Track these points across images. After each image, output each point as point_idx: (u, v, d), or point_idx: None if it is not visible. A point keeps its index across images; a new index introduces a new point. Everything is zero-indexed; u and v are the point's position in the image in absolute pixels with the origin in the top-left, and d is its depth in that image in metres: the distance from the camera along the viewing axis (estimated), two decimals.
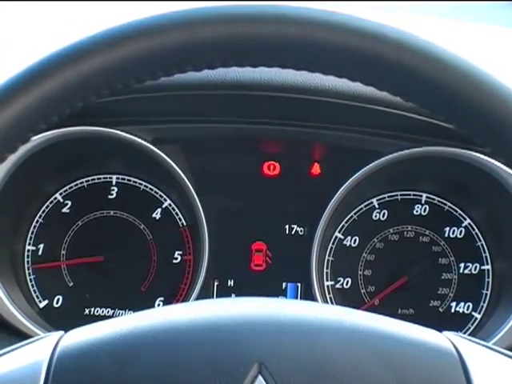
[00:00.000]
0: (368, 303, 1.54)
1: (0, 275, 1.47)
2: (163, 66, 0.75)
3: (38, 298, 1.54)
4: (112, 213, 1.55)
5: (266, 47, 0.74)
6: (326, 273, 1.54)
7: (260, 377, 0.72)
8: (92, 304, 1.54)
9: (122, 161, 1.55)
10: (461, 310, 1.54)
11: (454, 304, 1.54)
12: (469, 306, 1.54)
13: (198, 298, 1.49)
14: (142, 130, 1.47)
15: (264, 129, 1.49)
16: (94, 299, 1.54)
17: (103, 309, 1.54)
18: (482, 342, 0.82)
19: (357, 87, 1.40)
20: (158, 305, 1.54)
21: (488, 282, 1.54)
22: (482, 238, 1.54)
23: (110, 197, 1.55)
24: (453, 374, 0.75)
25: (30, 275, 1.54)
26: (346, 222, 1.54)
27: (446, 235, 1.55)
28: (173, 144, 1.50)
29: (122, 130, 1.46)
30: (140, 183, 1.55)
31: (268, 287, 1.54)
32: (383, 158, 1.47)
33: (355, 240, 1.55)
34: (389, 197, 1.55)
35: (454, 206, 1.55)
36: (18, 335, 1.42)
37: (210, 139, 1.52)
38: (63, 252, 1.54)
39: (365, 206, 1.55)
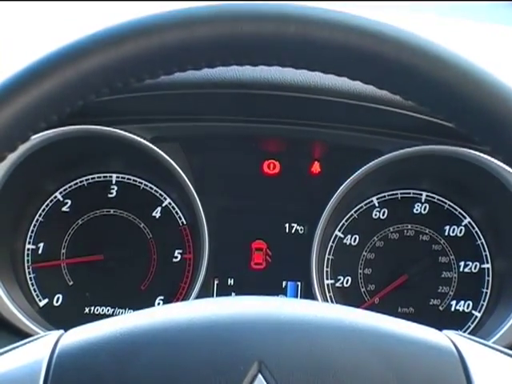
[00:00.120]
0: (368, 302, 1.54)
1: (0, 274, 1.47)
2: (163, 65, 0.75)
3: (38, 296, 1.54)
4: (112, 211, 1.55)
5: (266, 46, 0.74)
6: (326, 271, 1.54)
7: (260, 375, 0.72)
8: (92, 303, 1.54)
9: (121, 159, 1.55)
10: (461, 309, 1.54)
11: (453, 302, 1.54)
12: (469, 305, 1.54)
13: (198, 296, 1.49)
14: (142, 129, 1.47)
15: (264, 127, 1.49)
16: (94, 298, 1.54)
17: (103, 307, 1.54)
18: (481, 341, 0.82)
19: (357, 86, 1.40)
20: (158, 303, 1.54)
21: (488, 280, 1.54)
22: (481, 237, 1.54)
23: (109, 195, 1.55)
24: (453, 372, 0.75)
25: (29, 274, 1.54)
26: (346, 221, 1.54)
27: (446, 234, 1.55)
28: (173, 143, 1.50)
29: (122, 129, 1.46)
30: (140, 182, 1.55)
31: (268, 286, 1.54)
32: (383, 157, 1.47)
33: (355, 239, 1.55)
34: (389, 195, 1.55)
35: (453, 205, 1.55)
36: (18, 334, 1.42)
37: (210, 138, 1.52)
38: (63, 251, 1.54)
39: (365, 205, 1.55)
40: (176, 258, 1.55)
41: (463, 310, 1.54)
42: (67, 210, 1.55)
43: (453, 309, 1.54)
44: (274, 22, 0.73)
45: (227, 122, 1.49)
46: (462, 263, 1.55)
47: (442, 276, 1.54)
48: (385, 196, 1.55)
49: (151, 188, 1.55)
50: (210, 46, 0.73)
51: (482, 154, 1.44)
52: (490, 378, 0.76)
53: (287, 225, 1.55)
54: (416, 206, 1.55)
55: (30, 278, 1.54)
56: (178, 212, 1.55)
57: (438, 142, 1.46)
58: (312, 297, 1.50)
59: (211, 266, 1.50)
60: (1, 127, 0.72)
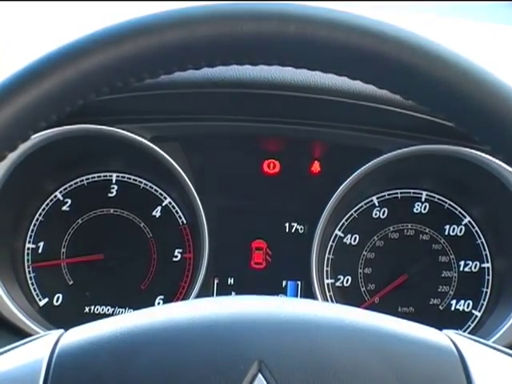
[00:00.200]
0: (368, 301, 1.54)
1: (0, 273, 1.47)
2: (163, 64, 0.75)
3: (38, 296, 1.54)
4: (112, 211, 1.55)
5: (266, 45, 0.74)
6: (326, 271, 1.54)
7: (260, 375, 0.72)
8: (92, 302, 1.54)
9: (121, 159, 1.55)
10: (461, 308, 1.54)
11: (454, 302, 1.54)
12: (469, 304, 1.54)
13: (198, 296, 1.49)
14: (142, 128, 1.47)
15: (264, 127, 1.49)
16: (94, 297, 1.54)
17: (103, 307, 1.54)
18: (481, 340, 0.82)
19: (357, 85, 1.40)
20: (158, 303, 1.54)
21: (488, 279, 1.54)
22: (482, 236, 1.54)
23: (109, 195, 1.55)
24: (453, 372, 0.75)
25: (30, 273, 1.54)
26: (346, 220, 1.55)
27: (446, 233, 1.55)
28: (172, 142, 1.50)
29: (122, 128, 1.46)
30: (140, 181, 1.55)
31: (268, 285, 1.54)
32: (383, 156, 1.47)
33: (355, 238, 1.55)
34: (389, 195, 1.55)
35: (454, 204, 1.55)
36: (18, 333, 1.42)
37: (210, 137, 1.52)
38: (63, 250, 1.54)
39: (365, 204, 1.55)
40: (176, 257, 1.55)
41: (463, 310, 1.54)
42: (67, 209, 1.55)
43: (453, 308, 1.54)
44: (274, 21, 0.73)
45: (227, 122, 1.49)
46: (462, 262, 1.55)
47: (442, 275, 1.54)
48: (385, 195, 1.55)
49: (151, 187, 1.55)
50: (209, 45, 0.73)
51: (482, 154, 1.44)
52: (490, 378, 0.76)
53: (287, 224, 1.55)
54: (416, 205, 1.55)
55: (30, 277, 1.54)
56: (178, 211, 1.55)
57: (438, 142, 1.46)
58: (312, 296, 1.50)
59: (211, 266, 1.51)
60: (1, 126, 0.72)
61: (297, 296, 1.54)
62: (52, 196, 1.55)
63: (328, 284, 1.54)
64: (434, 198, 1.55)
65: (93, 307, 1.54)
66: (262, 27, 0.73)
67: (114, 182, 1.55)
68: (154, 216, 1.55)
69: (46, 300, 1.54)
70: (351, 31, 0.73)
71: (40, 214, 1.54)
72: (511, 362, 0.79)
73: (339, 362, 0.73)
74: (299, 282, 1.54)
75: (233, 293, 1.54)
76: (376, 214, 1.55)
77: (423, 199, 1.55)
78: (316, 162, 1.53)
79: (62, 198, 1.55)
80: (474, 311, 1.54)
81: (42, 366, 0.74)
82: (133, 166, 1.55)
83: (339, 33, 0.73)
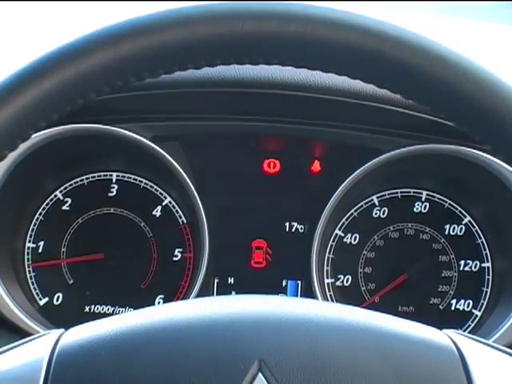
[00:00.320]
0: (368, 301, 1.54)
1: (0, 273, 1.47)
2: (163, 64, 0.75)
3: (38, 295, 1.54)
4: (112, 210, 1.55)
5: (266, 45, 0.74)
6: (327, 270, 1.54)
7: (260, 374, 0.72)
8: (92, 302, 1.54)
9: (122, 158, 1.55)
10: (461, 308, 1.54)
11: (454, 301, 1.54)
12: (469, 304, 1.54)
13: (198, 295, 1.49)
14: (142, 128, 1.47)
15: (264, 126, 1.49)
16: (94, 297, 1.54)
17: (103, 306, 1.54)
18: (482, 340, 0.82)
19: (357, 85, 1.40)
20: (158, 302, 1.54)
21: (488, 279, 1.54)
22: (482, 236, 1.54)
23: (110, 194, 1.55)
24: (453, 371, 0.75)
25: (30, 273, 1.54)
26: (346, 220, 1.55)
27: (447, 233, 1.55)
28: (172, 141, 1.50)
29: (122, 128, 1.46)
30: (140, 181, 1.55)
31: (268, 285, 1.54)
32: (383, 156, 1.47)
33: (355, 237, 1.55)
34: (389, 194, 1.55)
35: (454, 204, 1.55)
36: (19, 333, 1.42)
37: (210, 137, 1.52)
38: (63, 249, 1.54)
39: (365, 204, 1.55)
40: (176, 256, 1.55)
41: (463, 309, 1.54)
42: (67, 208, 1.55)
43: (453, 308, 1.54)
44: (275, 20, 0.73)
45: (227, 121, 1.49)
46: (462, 262, 1.55)
47: (442, 275, 1.55)
48: (385, 195, 1.55)
49: (151, 187, 1.55)
50: (210, 44, 0.73)
51: (482, 153, 1.44)
52: (490, 377, 0.76)
53: (287, 224, 1.55)
54: (416, 204, 1.55)
55: (30, 276, 1.54)
56: (179, 211, 1.55)
57: (438, 141, 1.46)
58: (312, 296, 1.50)
59: (211, 265, 1.51)
60: (1, 126, 0.72)
61: (297, 295, 1.54)
62: (52, 195, 1.55)
63: (328, 283, 1.54)
64: (434, 197, 1.55)
65: (93, 307, 1.54)
66: (262, 26, 0.73)
67: (114, 181, 1.55)
68: (154, 215, 1.55)
69: (46, 299, 1.54)
70: (351, 31, 0.73)
71: (40, 214, 1.54)
72: (511, 362, 0.79)
73: (339, 361, 0.73)
74: (299, 282, 1.54)
75: (233, 292, 1.54)
76: (376, 214, 1.55)
77: (423, 199, 1.55)
78: (316, 161, 1.53)
79: (62, 198, 1.55)
80: (474, 311, 1.54)
81: (43, 366, 0.74)
82: (133, 166, 1.55)
83: (339, 32, 0.73)
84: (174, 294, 1.54)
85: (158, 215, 1.55)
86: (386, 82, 0.76)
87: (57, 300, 1.54)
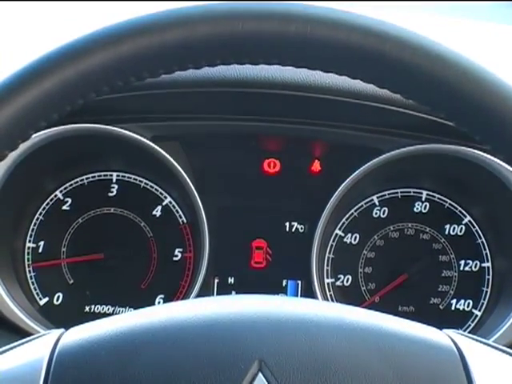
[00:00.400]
0: (368, 301, 1.54)
1: (0, 273, 1.47)
2: (163, 64, 0.75)
3: (38, 295, 1.54)
4: (112, 210, 1.55)
5: (267, 45, 0.74)
6: (327, 270, 1.54)
7: (260, 374, 0.72)
8: (92, 301, 1.54)
9: (122, 158, 1.55)
10: (461, 308, 1.54)
11: (454, 301, 1.54)
12: (469, 304, 1.54)
13: (199, 295, 1.49)
14: (142, 128, 1.47)
15: (264, 126, 1.49)
16: (94, 297, 1.54)
17: (103, 306, 1.54)
18: (482, 340, 0.82)
19: (357, 84, 1.40)
20: (159, 302, 1.54)
21: (488, 279, 1.54)
22: (482, 236, 1.54)
23: (110, 194, 1.55)
24: (453, 371, 0.75)
25: (30, 273, 1.54)
26: (346, 220, 1.54)
27: (447, 233, 1.55)
28: (173, 141, 1.50)
29: (122, 128, 1.46)
30: (140, 181, 1.55)
31: (268, 285, 1.54)
32: (383, 156, 1.47)
33: (355, 237, 1.55)
34: (389, 194, 1.55)
35: (454, 204, 1.55)
36: (19, 333, 1.42)
37: (210, 136, 1.52)
38: (63, 249, 1.54)
39: (365, 204, 1.55)
40: (176, 256, 1.55)
41: (463, 309, 1.54)
42: (67, 208, 1.55)
43: (453, 308, 1.54)
44: (275, 20, 0.73)
45: (227, 121, 1.49)
46: (463, 262, 1.55)
47: (443, 275, 1.54)
48: (385, 195, 1.55)
49: (151, 187, 1.55)
50: (210, 44, 0.73)
51: (482, 153, 1.44)
52: (490, 377, 0.76)
53: (287, 223, 1.55)
54: (416, 204, 1.55)
55: (31, 276, 1.54)
56: (179, 211, 1.55)
57: (438, 141, 1.46)
58: (312, 295, 1.50)
59: (211, 265, 1.51)
60: (1, 126, 0.72)
61: (297, 295, 1.54)
62: (52, 195, 1.55)
63: (328, 283, 1.54)
64: (435, 197, 1.55)
65: (93, 306, 1.54)
66: (262, 26, 0.73)
67: (114, 181, 1.55)
68: (155, 215, 1.55)
69: (47, 299, 1.54)
70: (352, 31, 0.73)
71: (40, 214, 1.54)
72: (511, 362, 0.79)
73: (339, 361, 0.73)
74: (299, 282, 1.54)
75: (233, 292, 1.54)
76: (376, 214, 1.55)
77: (423, 199, 1.55)
78: (316, 161, 1.53)
79: (62, 198, 1.55)
80: (474, 310, 1.54)
81: (43, 365, 0.74)
82: (133, 166, 1.55)
83: (340, 32, 0.73)
84: (174, 293, 1.54)
85: (158, 215, 1.55)
86: (386, 82, 0.76)
87: (57, 300, 1.54)
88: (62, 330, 0.80)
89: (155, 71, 0.75)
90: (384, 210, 1.55)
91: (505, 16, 1.79)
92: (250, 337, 0.74)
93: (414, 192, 1.55)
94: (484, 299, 1.53)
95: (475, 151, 1.44)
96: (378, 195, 1.55)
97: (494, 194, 1.50)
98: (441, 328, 0.82)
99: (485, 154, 1.44)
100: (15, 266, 1.52)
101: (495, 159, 1.43)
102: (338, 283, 1.55)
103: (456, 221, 1.55)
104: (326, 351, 0.74)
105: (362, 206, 1.55)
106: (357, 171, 1.47)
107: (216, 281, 1.54)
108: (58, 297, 1.54)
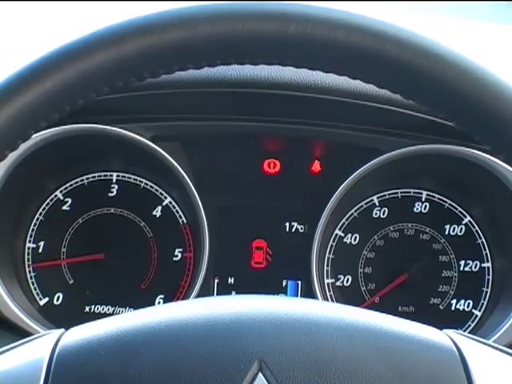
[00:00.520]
0: (368, 301, 1.54)
1: (0, 273, 1.47)
2: (163, 64, 0.75)
3: (38, 295, 1.54)
4: (112, 210, 1.55)
5: (266, 45, 0.74)
6: (327, 270, 1.54)
7: (260, 374, 0.72)
8: (92, 302, 1.54)
9: (122, 158, 1.55)
10: (461, 308, 1.54)
11: (454, 301, 1.54)
12: (469, 304, 1.54)
13: (199, 295, 1.49)
14: (142, 128, 1.47)
15: (264, 126, 1.49)
16: (94, 297, 1.54)
17: (103, 306, 1.54)
18: (482, 340, 0.82)
19: (357, 85, 1.40)
20: (159, 302, 1.54)
21: (488, 279, 1.54)
22: (482, 236, 1.54)
23: (110, 194, 1.55)
24: (453, 371, 0.75)
25: (30, 273, 1.54)
26: (346, 220, 1.54)
27: (447, 233, 1.55)
28: (172, 141, 1.50)
29: (122, 128, 1.46)
30: (140, 181, 1.55)
31: (268, 285, 1.54)
32: (383, 156, 1.47)
33: (355, 237, 1.55)
34: (389, 194, 1.55)
35: (454, 204, 1.55)
36: (19, 333, 1.42)
37: (210, 137, 1.52)
38: (63, 250, 1.54)
39: (365, 204, 1.55)
40: (176, 256, 1.55)
41: (463, 309, 1.54)
42: (67, 208, 1.55)
43: (453, 308, 1.54)
44: (275, 20, 0.73)
45: (227, 121, 1.49)
46: (463, 262, 1.55)
47: (443, 275, 1.54)
48: (385, 195, 1.55)
49: (151, 187, 1.55)
50: (210, 44, 0.73)
51: (482, 153, 1.44)
52: (490, 377, 0.76)
53: (287, 224, 1.55)
54: (416, 205, 1.55)
55: (31, 276, 1.54)
56: (179, 211, 1.55)
57: (438, 141, 1.46)
58: (312, 296, 1.50)
59: (211, 265, 1.51)
60: (1, 126, 0.72)
61: (297, 295, 1.54)
62: (52, 195, 1.55)
63: (328, 283, 1.54)
64: (435, 197, 1.55)
65: (93, 307, 1.54)
66: (262, 27, 0.73)
67: (114, 181, 1.55)
68: (155, 215, 1.55)
69: (47, 299, 1.54)
70: (351, 31, 0.73)
71: (40, 214, 1.54)
72: (511, 362, 0.79)
73: (339, 361, 0.73)
74: (299, 282, 1.54)
75: (233, 292, 1.54)
76: (376, 214, 1.55)
77: (423, 199, 1.55)
78: (316, 161, 1.53)
79: (62, 198, 1.55)
80: (474, 311, 1.54)
81: (43, 365, 0.74)
82: (133, 166, 1.55)
83: (340, 32, 0.73)
84: (174, 294, 1.54)
85: (158, 215, 1.55)
86: (386, 82, 0.76)
87: (57, 300, 1.54)
88: (62, 330, 0.80)
89: (155, 71, 0.75)
90: (384, 211, 1.55)
91: (505, 16, 1.79)
92: (250, 337, 0.74)
93: (413, 192, 1.55)
94: (484, 299, 1.53)
95: (475, 151, 1.44)
96: (377, 195, 1.55)
97: (494, 194, 1.50)
98: (441, 328, 0.82)
99: (485, 154, 1.44)
100: (15, 266, 1.52)
101: (495, 159, 1.43)
102: (338, 283, 1.55)
103: (456, 221, 1.55)
104: (326, 351, 0.74)
105: (362, 206, 1.55)
106: (357, 171, 1.47)
107: (216, 281, 1.54)
108: (58, 297, 1.54)
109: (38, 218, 1.54)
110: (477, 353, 0.78)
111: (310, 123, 1.48)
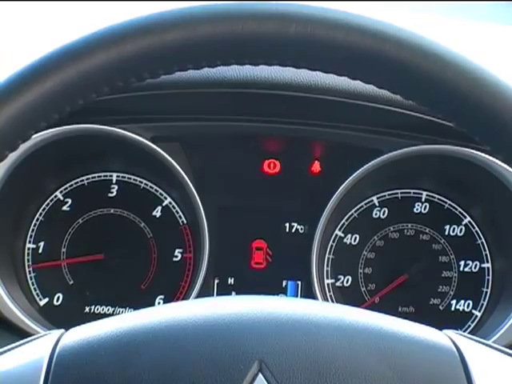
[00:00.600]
0: (368, 301, 1.54)
1: (0, 273, 1.47)
2: (163, 64, 0.75)
3: (38, 296, 1.54)
4: (112, 211, 1.55)
5: (266, 45, 0.74)
6: (327, 271, 1.54)
7: (260, 375, 0.72)
8: (92, 302, 1.54)
9: (122, 159, 1.55)
10: (461, 308, 1.54)
11: (454, 302, 1.54)
12: (469, 304, 1.54)
13: (199, 296, 1.49)
14: (142, 128, 1.47)
15: (264, 127, 1.49)
16: (94, 297, 1.54)
17: (103, 307, 1.54)
18: (482, 340, 0.82)
19: (357, 85, 1.40)
20: (158, 303, 1.54)
21: (488, 279, 1.54)
22: (482, 236, 1.54)
23: (110, 195, 1.55)
24: (453, 371, 0.75)
25: (30, 273, 1.54)
26: (346, 220, 1.54)
27: (446, 233, 1.55)
28: (172, 142, 1.50)
29: (122, 128, 1.46)
30: (140, 181, 1.55)
31: (268, 285, 1.54)
32: (383, 156, 1.47)
33: (355, 238, 1.55)
34: (389, 195, 1.55)
35: (454, 204, 1.55)
36: (19, 333, 1.42)
37: (210, 137, 1.52)
38: (63, 250, 1.54)
39: (365, 204, 1.55)
40: (176, 257, 1.55)
41: (463, 310, 1.54)
42: (67, 209, 1.55)
43: (453, 308, 1.54)
44: (275, 21, 0.73)
45: (227, 122, 1.49)
46: (462, 262, 1.55)
47: (442, 275, 1.54)
48: (385, 195, 1.55)
49: (151, 187, 1.55)
50: (210, 45, 0.73)
51: (482, 154, 1.44)
52: (490, 378, 0.76)
53: (287, 224, 1.55)
54: (416, 205, 1.55)
55: (31, 277, 1.54)
56: (179, 211, 1.55)
57: (438, 142, 1.46)
58: (312, 296, 1.50)
59: (211, 266, 1.51)
60: (1, 126, 0.72)
61: (297, 296, 1.54)
62: (52, 196, 1.55)
63: (328, 284, 1.54)
64: (434, 198, 1.55)
65: (93, 307, 1.54)
66: (262, 27, 0.73)
67: (114, 181, 1.55)
68: (154, 216, 1.55)
69: (47, 300, 1.54)
70: (351, 31, 0.73)
71: (40, 214, 1.54)
72: (511, 362, 0.79)
73: (339, 361, 0.73)
74: (299, 282, 1.54)
75: (233, 293, 1.54)
76: (376, 214, 1.55)
77: (423, 199, 1.55)
78: (316, 161, 1.53)
79: (62, 198, 1.55)
80: (474, 311, 1.54)
81: (43, 366, 0.74)
82: (133, 166, 1.55)
83: (340, 33, 0.73)
84: (174, 294, 1.54)
85: (158, 216, 1.55)
86: (386, 83, 0.76)
87: (57, 300, 1.54)
88: (62, 330, 0.80)
89: (155, 72, 0.75)
90: (384, 211, 1.55)
91: (505, 16, 1.79)
92: (250, 337, 0.74)
93: (413, 193, 1.55)
94: (484, 300, 1.53)
95: (475, 151, 1.44)
96: (377, 196, 1.55)
97: (494, 195, 1.50)
98: (441, 329, 0.82)
99: (484, 155, 1.44)
100: (15, 266, 1.52)
101: (495, 160, 1.43)
102: (338, 284, 1.55)
103: (456, 221, 1.55)
104: (326, 352, 0.74)
105: (361, 206, 1.55)
106: (357, 172, 1.47)
107: (216, 281, 1.54)
108: (58, 297, 1.54)
109: (37, 219, 1.54)
110: (477, 353, 0.78)
111: (310, 123, 1.48)
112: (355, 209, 1.55)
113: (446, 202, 1.55)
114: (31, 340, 0.81)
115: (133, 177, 1.55)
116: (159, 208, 1.55)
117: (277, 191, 1.54)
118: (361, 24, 0.73)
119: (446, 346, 0.77)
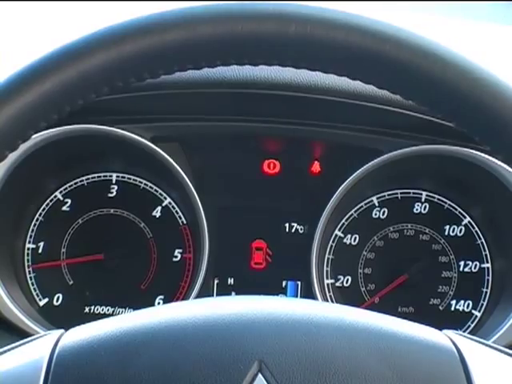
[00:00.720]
0: (368, 301, 1.54)
1: (0, 273, 1.47)
2: (163, 64, 0.75)
3: (38, 296, 1.54)
4: (112, 211, 1.55)
5: (266, 45, 0.74)
6: (326, 271, 1.54)
7: (260, 375, 0.72)
8: (92, 302, 1.54)
9: (121, 159, 1.55)
10: (461, 308, 1.54)
11: (453, 302, 1.54)
12: (469, 304, 1.54)
13: (198, 296, 1.49)
14: (142, 129, 1.47)
15: (264, 127, 1.49)
16: (94, 297, 1.54)
17: (103, 307, 1.54)
18: (481, 340, 0.82)
19: (357, 85, 1.40)
20: (158, 303, 1.54)
21: (488, 280, 1.54)
22: (481, 236, 1.54)
23: (110, 195, 1.55)
24: (453, 372, 0.75)
25: (30, 273, 1.54)
26: (346, 220, 1.54)
27: (446, 233, 1.55)
28: (172, 142, 1.50)
29: (122, 129, 1.46)
30: (140, 181, 1.55)
31: (268, 285, 1.54)
32: (383, 156, 1.47)
33: (355, 238, 1.55)
34: (389, 195, 1.55)
35: (453, 204, 1.55)
36: (18, 333, 1.42)
37: (210, 137, 1.52)
38: (63, 250, 1.54)
39: (365, 204, 1.55)
40: (176, 257, 1.55)
41: (463, 310, 1.54)
42: (67, 209, 1.55)
43: (453, 308, 1.54)
44: (275, 21, 0.73)
45: (227, 122, 1.49)
46: (462, 263, 1.55)
47: (442, 275, 1.54)
48: (385, 195, 1.55)
49: (151, 187, 1.55)
50: (210, 45, 0.73)
51: (481, 154, 1.44)
52: (490, 378, 0.76)
53: (287, 224, 1.55)
54: (416, 205, 1.55)
55: (30, 277, 1.54)
56: (178, 211, 1.55)
57: (438, 142, 1.46)
58: (312, 296, 1.50)
59: (211, 266, 1.50)
60: (1, 126, 0.72)
61: (297, 296, 1.54)
62: (52, 196, 1.55)
63: (328, 284, 1.54)
64: (434, 198, 1.55)
65: (93, 307, 1.54)
66: (262, 27, 0.73)
67: (113, 182, 1.55)
68: (154, 216, 1.55)
69: (46, 300, 1.54)
70: (351, 31, 0.73)
71: (40, 214, 1.54)
72: (511, 362, 0.79)
73: (339, 361, 0.73)
74: (299, 282, 1.54)
75: (233, 293, 1.54)
76: (376, 214, 1.55)
77: (423, 199, 1.55)
78: (316, 162, 1.53)
79: (62, 198, 1.55)
80: (473, 311, 1.54)
81: (43, 366, 0.74)
82: (133, 166, 1.55)
83: (339, 33, 0.73)
84: (173, 294, 1.54)
85: (157, 216, 1.55)
86: (386, 83, 0.76)
87: (57, 301, 1.54)
88: (62, 330, 0.80)
89: (155, 72, 0.75)
90: (384, 211, 1.55)
91: (505, 16, 1.79)
92: (249, 337, 0.74)
93: (413, 193, 1.55)
94: (484, 300, 1.53)
95: (475, 152, 1.44)
96: (377, 196, 1.55)
97: (494, 195, 1.50)
98: (440, 329, 0.82)
99: (484, 155, 1.44)
100: (15, 266, 1.52)
101: (495, 160, 1.43)
102: (338, 284, 1.55)
103: (456, 221, 1.55)
104: (326, 352, 0.74)
105: (361, 206, 1.55)
106: (356, 172, 1.47)
107: (216, 281, 1.54)
108: (58, 297, 1.54)
109: (37, 219, 1.54)
110: (476, 353, 0.78)
111: (310, 124, 1.48)
112: (355, 209, 1.55)
113: (445, 202, 1.55)
114: (31, 340, 0.81)
115: (133, 177, 1.55)
116: (159, 208, 1.55)
117: (277, 191, 1.54)
118: (361, 24, 0.73)
119: (445, 346, 0.77)
